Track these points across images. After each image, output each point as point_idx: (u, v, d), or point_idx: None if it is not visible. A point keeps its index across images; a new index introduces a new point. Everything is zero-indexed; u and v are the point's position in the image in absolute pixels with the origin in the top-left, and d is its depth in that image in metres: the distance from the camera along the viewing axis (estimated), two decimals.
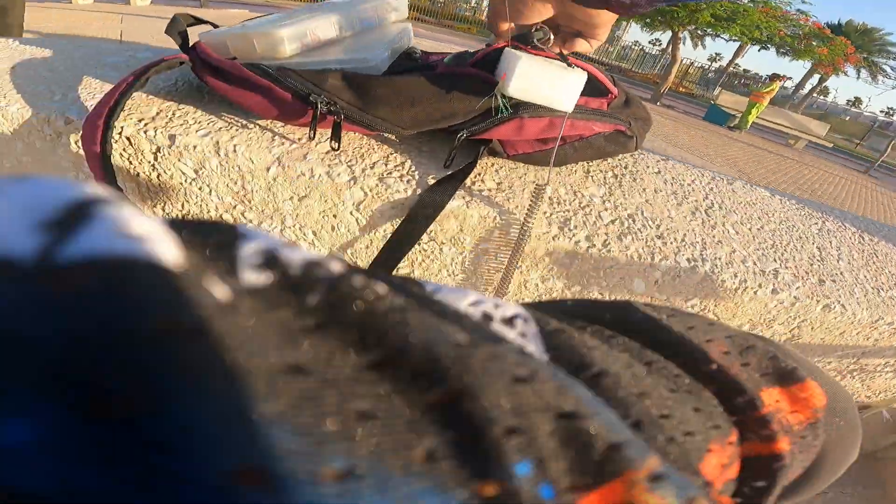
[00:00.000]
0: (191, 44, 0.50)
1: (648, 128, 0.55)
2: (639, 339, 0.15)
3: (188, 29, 0.51)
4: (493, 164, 0.53)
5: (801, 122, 11.16)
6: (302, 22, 0.49)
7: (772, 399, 0.18)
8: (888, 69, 26.54)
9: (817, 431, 0.20)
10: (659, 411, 0.13)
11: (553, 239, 0.47)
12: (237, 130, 0.50)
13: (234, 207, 0.53)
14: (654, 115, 8.29)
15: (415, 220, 0.47)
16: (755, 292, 0.49)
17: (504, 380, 0.08)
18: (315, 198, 0.50)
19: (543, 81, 0.44)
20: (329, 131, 0.49)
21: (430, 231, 0.49)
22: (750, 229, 0.56)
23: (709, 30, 11.18)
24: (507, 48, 0.46)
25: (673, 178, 0.62)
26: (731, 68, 23.33)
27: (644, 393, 0.13)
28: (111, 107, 0.45)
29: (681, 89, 19.29)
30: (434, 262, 0.53)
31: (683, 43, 13.23)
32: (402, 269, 0.55)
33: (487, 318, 0.12)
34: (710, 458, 0.14)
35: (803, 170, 7.99)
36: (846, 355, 0.57)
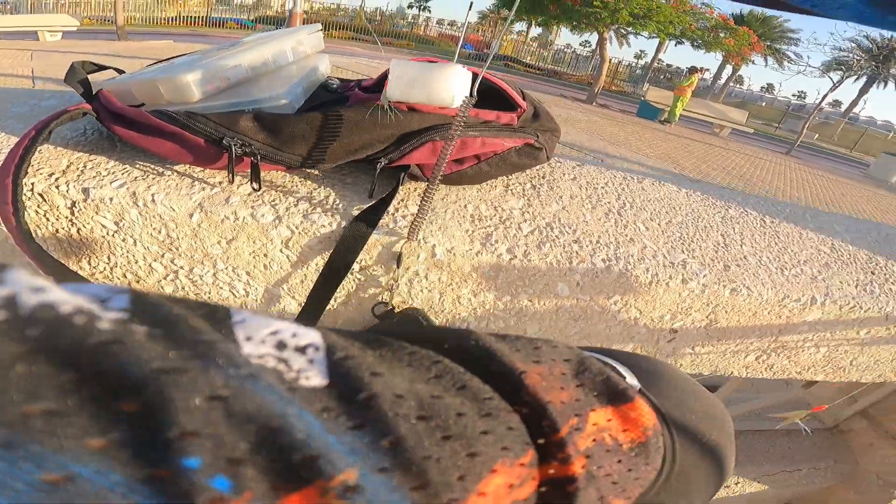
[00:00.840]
0: (94, 91, 0.49)
1: (558, 138, 0.59)
2: (473, 364, 0.17)
3: (105, 71, 0.51)
4: (415, 189, 0.55)
5: (722, 112, 11.86)
6: (210, 64, 0.50)
7: (603, 418, 0.19)
8: (791, 55, 28.61)
9: (649, 451, 0.21)
10: (442, 433, 0.14)
11: (476, 255, 0.50)
12: (154, 179, 0.50)
13: (163, 256, 0.53)
14: (592, 115, 8.63)
15: (342, 252, 0.48)
16: (667, 284, 0.53)
17: (198, 396, 0.10)
18: (242, 240, 0.50)
19: (418, 80, 0.46)
20: (249, 172, 0.50)
21: (359, 259, 0.51)
22: (659, 224, 0.61)
23: (629, 28, 11.77)
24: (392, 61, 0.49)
25: (587, 182, 0.65)
26: (656, 64, 24.53)
27: (425, 417, 0.14)
28: (17, 163, 0.44)
29: (613, 88, 20.13)
30: (369, 289, 0.54)
31: (610, 43, 13.83)
32: (340, 297, 0.56)
33: (282, 345, 0.14)
34: (494, 478, 0.15)
35: (731, 156, 8.48)
36: (764, 334, 0.62)
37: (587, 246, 0.53)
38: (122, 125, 0.48)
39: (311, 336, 0.14)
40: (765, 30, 28.61)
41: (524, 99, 0.55)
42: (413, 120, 0.48)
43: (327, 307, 0.51)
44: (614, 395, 0.20)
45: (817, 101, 12.61)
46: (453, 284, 0.52)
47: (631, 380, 0.25)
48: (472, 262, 0.50)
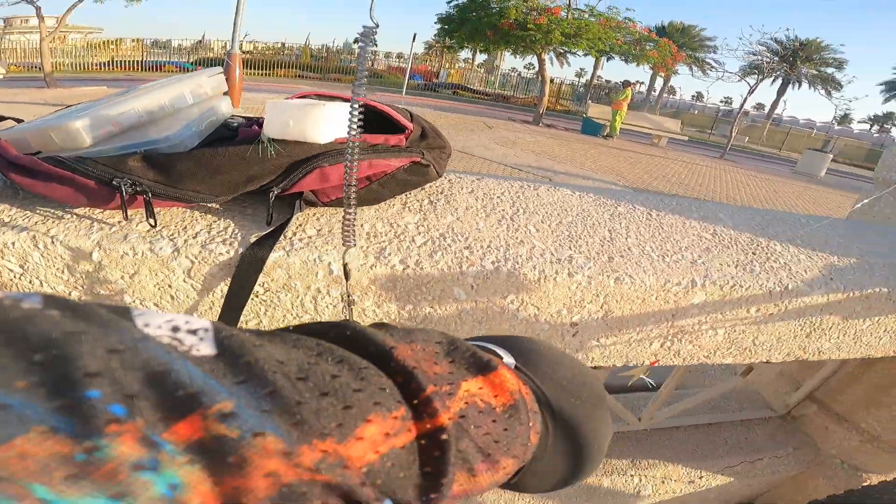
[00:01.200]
0: None
1: (447, 154, 0.63)
2: (352, 348, 0.20)
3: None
4: (314, 214, 0.59)
5: (658, 122, 12.49)
6: (101, 110, 0.53)
7: (474, 387, 0.23)
8: (712, 62, 30.47)
9: (520, 412, 0.24)
10: (319, 390, 0.17)
11: (371, 268, 0.53)
12: (53, 222, 0.52)
13: (70, 294, 0.54)
14: (539, 136, 8.92)
15: (242, 278, 0.51)
16: (555, 279, 0.58)
17: (99, 349, 0.13)
18: (145, 273, 0.52)
19: (290, 119, 0.50)
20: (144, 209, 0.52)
21: (262, 283, 0.53)
22: (549, 226, 0.66)
23: (563, 48, 12.33)
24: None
25: (484, 193, 0.70)
26: (596, 81, 25.61)
27: (303, 378, 0.17)
28: None
29: (558, 107, 20.82)
30: (277, 310, 0.56)
31: (552, 63, 14.41)
32: (251, 321, 0.58)
33: (176, 328, 0.16)
34: (369, 427, 0.18)
35: (670, 164, 8.91)
36: (659, 321, 0.67)
37: (478, 251, 0.58)
38: (18, 173, 0.50)
39: (201, 322, 0.17)
40: (685, 40, 30.43)
41: (412, 120, 0.60)
42: (300, 149, 0.51)
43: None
44: (481, 367, 0.24)
45: (741, 106, 13.44)
46: (355, 297, 0.55)
47: (507, 358, 0.28)
48: (367, 276, 0.53)
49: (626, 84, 11.74)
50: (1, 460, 0.11)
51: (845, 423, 1.39)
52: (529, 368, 0.28)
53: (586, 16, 11.95)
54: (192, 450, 0.13)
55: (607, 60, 14.41)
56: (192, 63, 20.58)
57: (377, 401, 0.19)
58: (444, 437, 0.20)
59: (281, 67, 21.00)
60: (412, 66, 22.59)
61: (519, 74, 27.03)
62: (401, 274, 0.54)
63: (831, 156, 12.35)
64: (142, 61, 19.08)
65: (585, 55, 12.48)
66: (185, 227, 0.54)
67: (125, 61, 18.57)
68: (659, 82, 33.06)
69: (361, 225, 0.58)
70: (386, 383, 0.20)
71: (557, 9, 11.72)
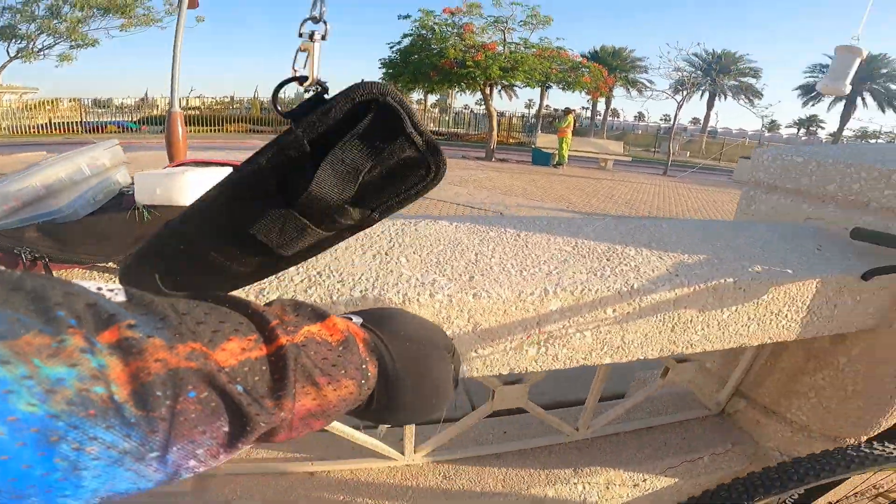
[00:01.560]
0: None
1: None
2: (228, 303, 0.30)
3: None
4: None
5: (603, 146, 13.09)
6: (3, 188, 0.60)
7: (314, 329, 0.32)
8: (645, 82, 32.15)
9: (350, 346, 0.34)
10: (196, 322, 0.27)
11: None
12: None
13: None
14: (491, 172, 9.17)
15: None
16: (417, 300, 0.67)
17: (60, 291, 0.22)
18: None
19: (156, 188, 0.59)
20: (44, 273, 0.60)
21: None
22: (419, 256, 0.76)
23: (503, 81, 12.84)
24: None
25: (365, 234, 0.80)
26: (544, 110, 26.57)
27: (186, 313, 0.27)
28: None
29: (511, 140, 21.34)
30: None
31: (500, 97, 14.94)
32: None
33: (100, 288, 0.26)
34: (231, 343, 0.27)
35: (616, 185, 9.33)
36: (526, 328, 0.76)
37: (349, 283, 0.67)
38: None
39: (116, 285, 0.27)
40: (617, 62, 32.04)
41: None
42: (171, 212, 0.60)
43: None
44: (319, 316, 0.33)
45: (673, 123, 14.23)
46: None
47: (356, 318, 0.38)
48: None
49: (568, 111, 12.31)
50: (19, 346, 0.19)
51: (773, 415, 1.46)
52: (375, 325, 0.38)
53: (521, 49, 12.49)
54: (111, 346, 0.22)
55: (547, 89, 15.03)
56: (135, 123, 19.89)
57: (237, 329, 0.28)
58: (285, 353, 0.29)
59: (231, 122, 20.64)
60: None
61: (471, 111, 27.68)
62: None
63: None
64: (81, 122, 18.39)
65: (525, 86, 13.04)
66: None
67: (64, 123, 17.95)
68: (602, 106, 34.57)
69: None
70: (244, 320, 0.29)
71: (493, 45, 12.26)
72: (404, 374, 0.36)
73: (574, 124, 12.22)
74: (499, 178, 8.73)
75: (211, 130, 19.32)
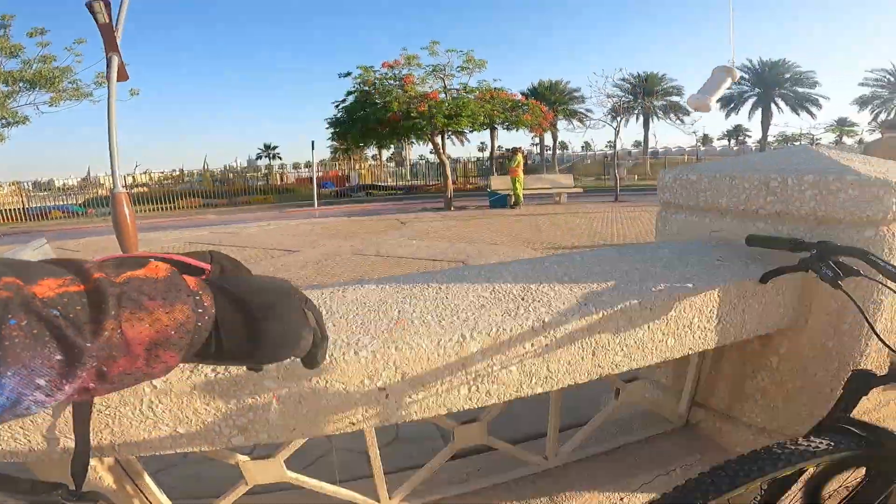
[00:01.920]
0: None
1: None
2: (60, 262, 0.34)
3: None
4: None
5: (554, 180, 13.57)
6: None
7: (138, 272, 0.35)
8: (584, 112, 33.52)
9: (176, 279, 0.37)
10: (16, 266, 0.31)
11: (187, 379, 0.67)
12: None
13: None
14: (450, 221, 9.27)
15: (79, 419, 0.62)
16: (344, 359, 0.74)
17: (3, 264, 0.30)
18: None
19: None
20: None
21: (98, 403, 0.65)
22: (346, 319, 0.83)
23: (448, 129, 13.08)
24: None
25: None
26: (497, 152, 27.27)
27: (9, 264, 0.31)
28: None
29: (468, 186, 21.50)
30: (123, 419, 0.68)
31: (452, 143, 15.30)
32: (103, 433, 0.68)
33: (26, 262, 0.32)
34: (48, 280, 0.31)
35: (571, 218, 9.64)
36: (453, 371, 0.81)
37: None
38: None
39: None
40: (556, 95, 33.37)
41: (211, 260, 0.76)
42: None
43: None
44: (141, 264, 0.37)
45: (614, 149, 14.86)
46: (180, 405, 0.68)
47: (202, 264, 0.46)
48: (187, 385, 0.68)
49: (515, 150, 12.67)
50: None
51: (731, 420, 1.52)
52: (223, 274, 0.49)
53: (462, 94, 12.85)
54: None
55: (491, 131, 15.39)
56: (81, 206, 18.70)
57: (53, 272, 0.32)
58: (102, 287, 0.32)
59: (184, 197, 19.90)
60: (322, 173, 22.79)
61: (427, 161, 27.94)
62: (213, 379, 0.68)
63: None
64: (24, 209, 17.62)
65: (471, 131, 13.34)
66: None
67: (4, 210, 17.05)
68: (550, 140, 35.75)
69: None
70: (62, 268, 0.33)
71: (435, 93, 12.60)
72: (247, 304, 0.39)
73: (525, 162, 12.60)
74: (458, 227, 8.89)
75: (161, 208, 18.70)
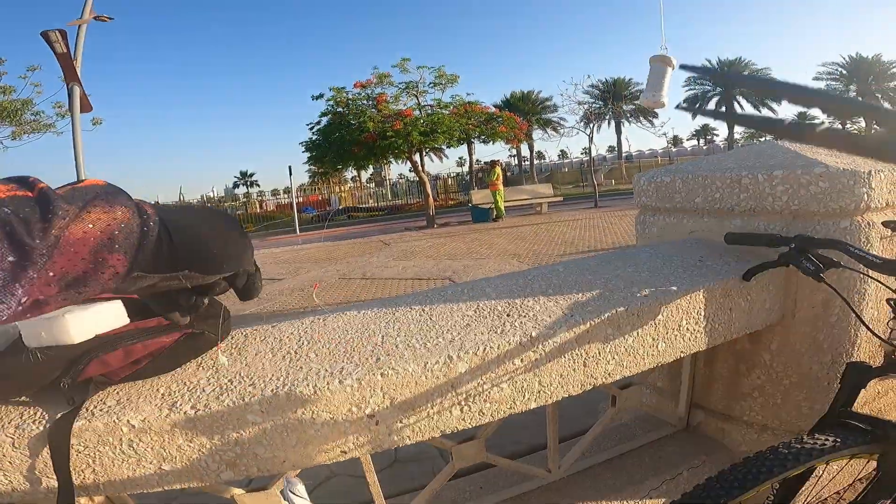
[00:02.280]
0: None
1: (226, 317, 0.77)
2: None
3: None
4: (115, 389, 0.70)
5: (534, 191, 13.64)
6: None
7: (81, 184, 0.38)
8: (558, 121, 34.01)
9: (119, 190, 0.39)
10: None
11: (166, 417, 0.64)
12: None
13: None
14: (435, 239, 9.20)
15: (56, 443, 0.61)
16: (328, 388, 0.72)
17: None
18: None
19: (41, 331, 0.62)
20: None
21: (76, 445, 0.65)
22: (328, 349, 0.81)
23: (426, 146, 12.97)
24: None
25: (275, 338, 0.84)
26: (476, 166, 27.40)
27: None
28: None
29: (450, 202, 21.42)
30: (104, 458, 0.65)
31: (431, 160, 15.23)
32: (85, 473, 0.65)
33: None
34: None
35: (554, 227, 9.72)
36: (443, 393, 0.80)
37: (259, 385, 0.71)
38: None
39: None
40: (528, 106, 33.71)
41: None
42: (66, 350, 0.63)
43: None
44: (80, 181, 0.40)
45: (590, 155, 14.99)
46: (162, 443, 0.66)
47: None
48: (167, 423, 0.65)
49: (493, 164, 12.69)
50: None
51: (732, 420, 1.50)
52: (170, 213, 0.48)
53: (437, 110, 12.73)
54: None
55: (469, 146, 15.16)
56: None
57: (3, 182, 0.34)
58: (48, 191, 0.34)
59: None
60: (302, 198, 22.57)
61: (407, 180, 27.86)
62: (194, 416, 0.66)
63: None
64: None
65: (448, 147, 13.25)
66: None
67: None
68: (526, 151, 36.10)
69: (157, 389, 0.70)
70: (7, 180, 0.35)
71: (409, 111, 12.46)
72: (194, 216, 0.44)
73: (505, 174, 12.59)
74: (443, 244, 8.87)
75: None
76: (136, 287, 0.43)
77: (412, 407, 0.79)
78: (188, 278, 0.46)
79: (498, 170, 12.30)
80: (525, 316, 0.92)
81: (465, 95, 13.22)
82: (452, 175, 27.12)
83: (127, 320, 0.68)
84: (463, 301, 0.98)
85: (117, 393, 0.69)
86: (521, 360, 0.86)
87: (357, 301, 4.90)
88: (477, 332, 0.87)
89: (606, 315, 0.94)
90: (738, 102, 36.60)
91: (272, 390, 0.70)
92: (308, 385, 0.71)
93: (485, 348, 0.82)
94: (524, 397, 0.90)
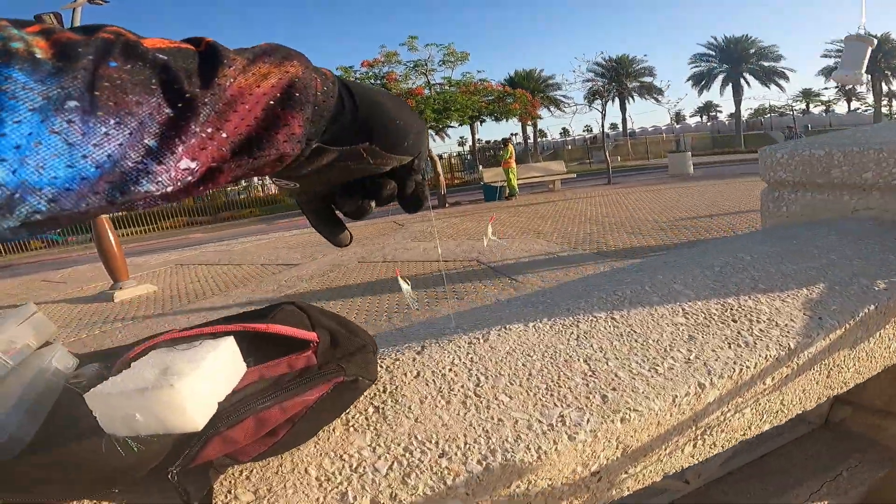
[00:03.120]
0: None
1: (374, 351, 0.52)
2: None
3: None
4: (241, 472, 0.44)
5: (546, 168, 13.34)
6: None
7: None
8: (562, 98, 33.80)
9: (288, 52, 0.31)
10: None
11: None
12: None
13: None
14: (450, 219, 8.95)
15: None
16: (556, 450, 0.47)
17: None
18: None
19: (135, 413, 0.35)
20: None
21: None
22: (520, 384, 0.55)
23: (438, 124, 12.81)
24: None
25: (433, 371, 0.58)
26: (478, 145, 27.17)
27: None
28: None
29: (455, 181, 21.40)
30: None
31: (433, 140, 15.02)
32: None
33: None
34: (155, 39, 0.26)
35: (573, 204, 9.41)
36: (681, 431, 0.57)
37: (457, 454, 0.45)
38: None
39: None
40: (533, 84, 33.39)
41: (313, 327, 0.48)
42: (175, 438, 0.38)
43: None
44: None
45: (602, 131, 14.81)
46: None
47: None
48: None
49: (506, 141, 12.38)
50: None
51: (890, 415, 1.30)
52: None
53: (447, 88, 12.45)
54: (34, 32, 0.22)
55: (481, 124, 15.09)
56: (59, 234, 16.88)
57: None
58: (216, 46, 0.27)
59: (165, 218, 18.71)
60: None
61: None
62: None
63: (690, 153, 13.75)
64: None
65: (461, 125, 13.10)
66: None
67: None
68: (529, 130, 35.80)
69: (305, 469, 0.44)
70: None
71: (419, 89, 12.17)
72: (369, 88, 0.34)
73: (513, 153, 12.32)
74: (460, 223, 8.56)
75: (143, 231, 17.80)
76: (311, 167, 0.33)
77: (645, 453, 0.55)
78: (372, 154, 0.35)
79: (511, 147, 11.97)
80: (759, 322, 0.67)
81: (476, 73, 12.91)
82: (455, 154, 26.80)
83: (244, 367, 0.43)
84: (656, 304, 0.73)
85: (247, 478, 0.44)
86: (772, 378, 0.63)
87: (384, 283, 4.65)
88: (713, 346, 0.62)
89: (859, 315, 0.70)
90: (745, 79, 36.28)
91: (478, 461, 0.45)
92: (527, 448, 0.46)
93: (740, 369, 0.58)
94: (761, 420, 0.68)
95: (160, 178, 0.23)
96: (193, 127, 0.25)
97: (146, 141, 0.23)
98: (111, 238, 5.83)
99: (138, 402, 0.35)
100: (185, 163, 0.24)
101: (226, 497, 0.42)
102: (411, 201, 0.41)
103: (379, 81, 11.98)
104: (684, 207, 7.48)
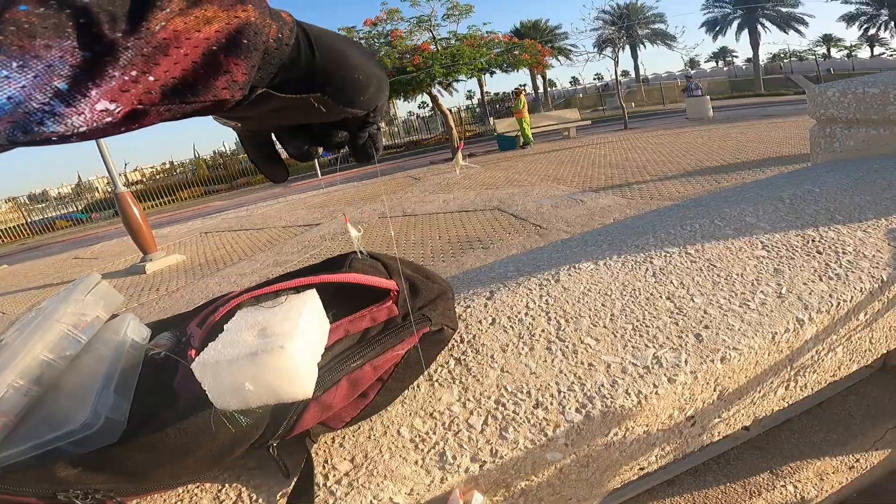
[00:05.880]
0: None
1: (452, 298, 0.49)
2: None
3: None
4: (334, 441, 0.43)
5: (560, 116, 12.98)
6: None
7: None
8: (570, 48, 32.55)
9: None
10: None
11: (441, 484, 0.37)
12: None
13: None
14: (468, 170, 8.85)
15: None
16: (656, 393, 0.44)
17: None
18: None
19: (245, 381, 0.33)
20: None
21: None
22: (605, 326, 0.52)
23: (447, 79, 12.48)
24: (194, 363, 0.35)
25: (508, 315, 0.56)
26: (487, 97, 26.39)
27: None
28: None
29: (467, 134, 21.03)
30: None
31: (441, 95, 14.66)
32: None
33: None
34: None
35: (592, 150, 9.16)
36: (777, 371, 0.55)
37: (552, 404, 0.43)
38: None
39: None
40: (539, 34, 32.19)
41: (391, 276, 0.45)
42: (286, 407, 0.36)
43: None
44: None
45: (616, 78, 14.31)
46: None
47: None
48: (443, 490, 0.38)
49: (518, 92, 12.07)
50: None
51: None
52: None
53: (453, 42, 12.11)
54: None
55: (491, 76, 14.70)
56: (83, 212, 17.66)
57: None
58: None
59: (182, 188, 18.91)
60: None
61: (417, 116, 27.37)
62: (480, 472, 0.39)
63: (709, 97, 13.25)
64: (28, 223, 16.60)
65: (470, 78, 12.77)
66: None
67: (6, 229, 16.18)
68: (539, 80, 34.78)
69: (397, 431, 0.43)
70: None
71: (426, 44, 11.84)
72: (335, 36, 0.32)
73: (525, 103, 11.99)
74: (476, 174, 8.43)
75: (162, 203, 17.90)
76: (255, 111, 0.31)
77: (738, 396, 0.53)
78: (323, 104, 0.33)
79: (523, 97, 11.66)
80: (846, 253, 0.63)
81: (482, 25, 12.42)
82: (464, 108, 26.22)
83: (327, 323, 0.40)
84: (730, 237, 0.69)
85: (341, 446, 0.42)
86: (864, 314, 0.59)
87: (404, 239, 4.64)
88: (804, 279, 0.58)
89: None
90: (763, 25, 34.43)
91: (576, 409, 0.42)
92: (626, 392, 0.44)
93: (837, 303, 0.55)
94: (850, 360, 0.64)
95: (69, 120, 0.24)
96: (111, 70, 0.24)
97: (55, 83, 0.23)
98: (136, 212, 5.88)
99: (249, 369, 0.33)
100: (104, 104, 0.24)
101: (323, 468, 0.40)
102: (362, 153, 0.40)
103: (383, 40, 11.62)
104: (708, 150, 7.23)
